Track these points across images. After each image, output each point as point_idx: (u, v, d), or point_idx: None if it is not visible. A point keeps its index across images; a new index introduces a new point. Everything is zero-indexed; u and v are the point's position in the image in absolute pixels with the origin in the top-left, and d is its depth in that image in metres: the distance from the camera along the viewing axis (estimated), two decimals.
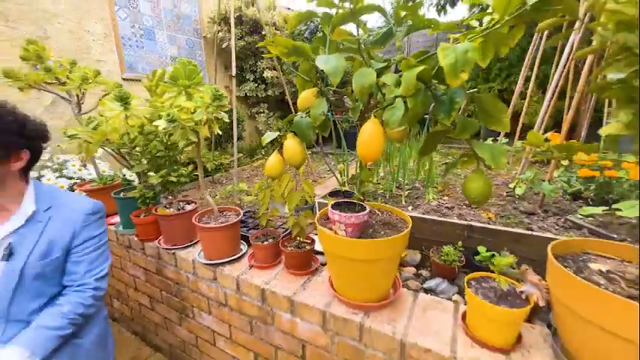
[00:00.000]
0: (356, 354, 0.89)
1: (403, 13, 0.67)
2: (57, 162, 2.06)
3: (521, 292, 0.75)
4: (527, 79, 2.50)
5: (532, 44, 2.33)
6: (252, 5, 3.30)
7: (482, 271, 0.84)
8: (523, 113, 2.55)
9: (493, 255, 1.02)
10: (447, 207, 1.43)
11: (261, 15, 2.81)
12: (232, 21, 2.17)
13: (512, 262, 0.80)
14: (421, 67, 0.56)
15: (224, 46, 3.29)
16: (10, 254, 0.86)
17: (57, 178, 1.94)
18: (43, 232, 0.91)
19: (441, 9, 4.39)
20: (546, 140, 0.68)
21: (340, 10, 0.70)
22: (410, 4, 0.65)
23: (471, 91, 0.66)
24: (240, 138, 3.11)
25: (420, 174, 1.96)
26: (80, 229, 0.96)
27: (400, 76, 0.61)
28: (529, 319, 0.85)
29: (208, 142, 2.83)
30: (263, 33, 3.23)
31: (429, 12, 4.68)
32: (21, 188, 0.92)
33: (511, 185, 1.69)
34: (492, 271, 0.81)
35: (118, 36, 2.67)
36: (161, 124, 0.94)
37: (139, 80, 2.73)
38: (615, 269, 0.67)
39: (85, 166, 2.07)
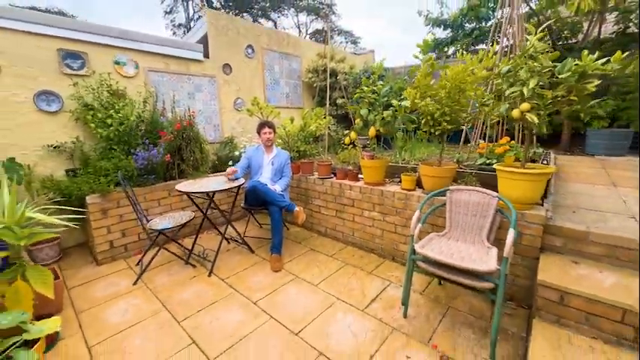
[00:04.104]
0: (369, 198, 2.88)
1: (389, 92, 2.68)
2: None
3: (415, 172, 2.66)
4: None
5: None
6: (332, 60, 5.53)
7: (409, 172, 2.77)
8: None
9: (415, 168, 2.91)
10: (415, 164, 3.30)
11: (336, 66, 4.98)
12: (328, 74, 4.36)
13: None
14: (381, 115, 2.57)
15: (314, 85, 5.58)
16: (272, 163, 3.11)
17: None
18: (280, 159, 3.14)
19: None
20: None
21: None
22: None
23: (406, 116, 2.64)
24: (321, 140, 5.29)
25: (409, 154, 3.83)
26: (286, 160, 3.17)
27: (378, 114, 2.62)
28: (419, 187, 2.71)
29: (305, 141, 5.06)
30: (338, 77, 5.42)
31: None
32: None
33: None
34: (415, 171, 2.73)
35: (265, 84, 5.14)
36: (313, 127, 3.10)
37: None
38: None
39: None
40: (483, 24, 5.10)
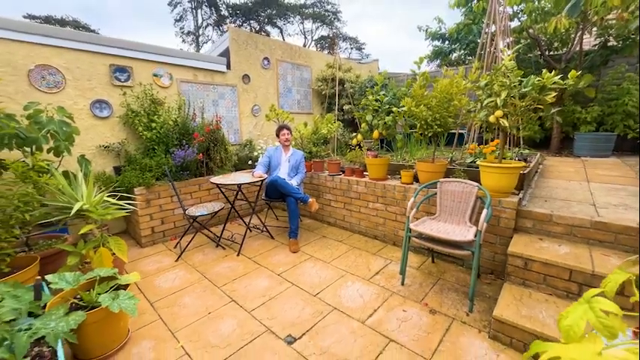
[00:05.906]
0: (373, 192, 3.34)
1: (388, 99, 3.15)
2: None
3: (413, 169, 3.12)
4: None
5: None
6: (339, 69, 6.03)
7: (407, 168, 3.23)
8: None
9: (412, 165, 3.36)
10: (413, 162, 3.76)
11: (344, 75, 5.48)
12: (337, 83, 4.85)
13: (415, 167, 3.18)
14: (384, 120, 3.05)
15: (323, 92, 6.08)
16: (288, 161, 3.59)
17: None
18: (295, 157, 3.62)
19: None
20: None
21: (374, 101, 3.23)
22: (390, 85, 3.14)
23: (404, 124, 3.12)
24: (329, 142, 5.77)
25: (409, 154, 4.28)
26: (301, 158, 3.66)
27: (381, 119, 3.10)
28: (416, 181, 3.16)
29: (315, 143, 5.55)
30: (345, 85, 5.92)
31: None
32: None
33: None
34: (412, 168, 3.19)
35: (279, 92, 5.66)
36: (325, 131, 3.59)
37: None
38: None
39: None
40: (477, 40, 5.58)
